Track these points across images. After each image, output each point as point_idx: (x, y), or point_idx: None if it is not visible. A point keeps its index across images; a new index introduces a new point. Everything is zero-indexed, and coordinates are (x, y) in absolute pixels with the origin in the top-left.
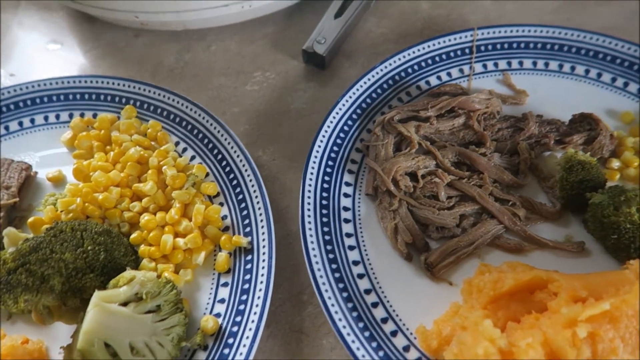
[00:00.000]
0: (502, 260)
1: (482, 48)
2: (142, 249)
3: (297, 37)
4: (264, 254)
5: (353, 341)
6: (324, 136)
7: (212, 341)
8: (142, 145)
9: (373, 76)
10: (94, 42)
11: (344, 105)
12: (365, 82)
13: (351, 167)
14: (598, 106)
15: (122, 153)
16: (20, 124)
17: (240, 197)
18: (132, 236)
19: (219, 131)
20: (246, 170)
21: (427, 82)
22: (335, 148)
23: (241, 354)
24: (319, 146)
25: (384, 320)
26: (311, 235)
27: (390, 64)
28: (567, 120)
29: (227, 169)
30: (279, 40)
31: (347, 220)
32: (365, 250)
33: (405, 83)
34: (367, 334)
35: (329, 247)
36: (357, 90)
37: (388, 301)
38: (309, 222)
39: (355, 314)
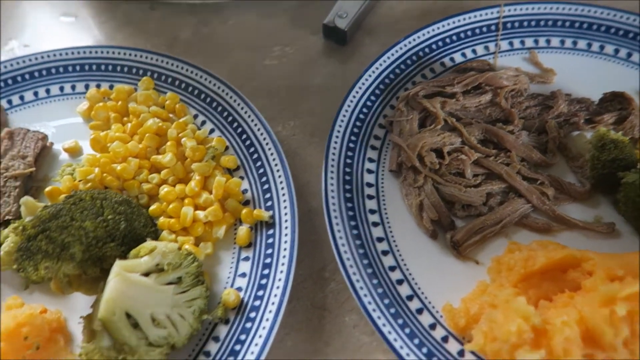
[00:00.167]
0: (529, 240)
1: (509, 25)
2: (161, 221)
3: (317, 12)
4: (286, 228)
5: (379, 317)
6: (346, 111)
7: (233, 315)
8: (160, 117)
9: (397, 51)
10: (108, 15)
11: (366, 80)
12: (388, 57)
13: (374, 143)
14: (627, 86)
15: (139, 124)
16: (36, 94)
17: (261, 170)
18: (151, 208)
19: (238, 104)
20: (267, 144)
21: (452, 59)
22: (358, 123)
23: (264, 328)
24: (342, 121)
25: (409, 298)
26: (335, 211)
27: (414, 40)
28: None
29: (248, 142)
30: (298, 14)
31: (370, 197)
32: (390, 227)
33: (429, 59)
34: (392, 310)
35: (352, 223)
36: (380, 65)
37: (413, 278)
38: (333, 198)
39: (380, 290)
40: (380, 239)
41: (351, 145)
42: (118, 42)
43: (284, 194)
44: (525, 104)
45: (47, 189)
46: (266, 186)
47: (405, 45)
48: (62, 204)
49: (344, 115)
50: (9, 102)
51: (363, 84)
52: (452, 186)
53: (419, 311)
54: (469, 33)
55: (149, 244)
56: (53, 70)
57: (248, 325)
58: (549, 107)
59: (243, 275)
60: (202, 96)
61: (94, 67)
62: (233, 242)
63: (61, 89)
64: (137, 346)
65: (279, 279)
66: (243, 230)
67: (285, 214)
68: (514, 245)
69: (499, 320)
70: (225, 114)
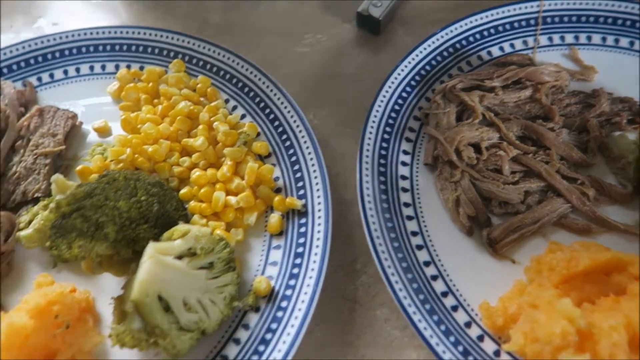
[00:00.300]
0: (567, 241)
1: (549, 20)
2: (192, 205)
3: (350, 0)
4: (319, 217)
5: (414, 313)
6: (382, 101)
7: (264, 303)
8: (192, 100)
9: (433, 42)
10: None
11: (402, 70)
12: (425, 49)
13: (409, 135)
14: None
15: (171, 107)
16: (66, 72)
17: (294, 158)
18: (182, 192)
19: (271, 90)
20: (300, 132)
21: (489, 53)
22: (393, 114)
23: (296, 317)
24: (377, 111)
25: (444, 294)
26: (369, 202)
27: (451, 31)
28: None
29: (280, 129)
30: (331, 1)
31: (405, 190)
32: (424, 221)
33: (466, 52)
34: (427, 306)
35: (387, 216)
36: (417, 56)
37: (448, 275)
38: (367, 189)
39: (415, 285)
40: (414, 233)
41: (386, 136)
42: (146, 24)
43: (317, 183)
44: (565, 101)
45: (77, 168)
46: (298, 174)
47: (442, 37)
48: (95, 182)
49: (379, 106)
50: (39, 79)
51: (399, 74)
52: (490, 182)
53: (454, 308)
54: (508, 26)
55: (182, 227)
56: (83, 49)
57: (279, 314)
58: (591, 105)
59: (274, 263)
60: (234, 81)
61: (125, 47)
62: (264, 230)
63: (91, 68)
64: (169, 330)
65: (312, 269)
66: (275, 218)
67: (319, 203)
68: (554, 246)
69: (541, 321)
70: (258, 99)
